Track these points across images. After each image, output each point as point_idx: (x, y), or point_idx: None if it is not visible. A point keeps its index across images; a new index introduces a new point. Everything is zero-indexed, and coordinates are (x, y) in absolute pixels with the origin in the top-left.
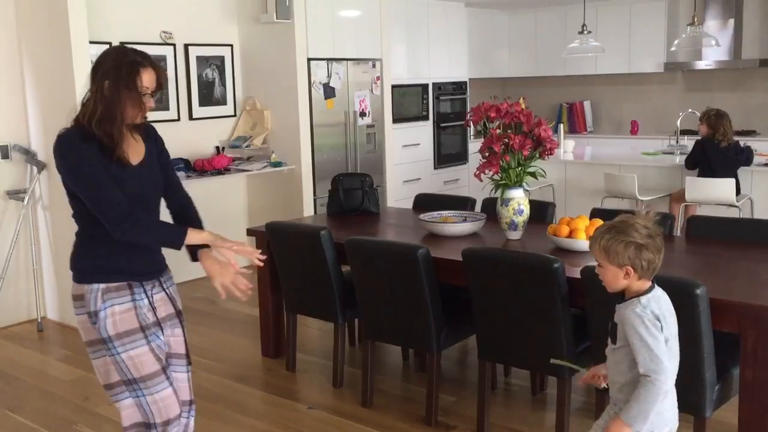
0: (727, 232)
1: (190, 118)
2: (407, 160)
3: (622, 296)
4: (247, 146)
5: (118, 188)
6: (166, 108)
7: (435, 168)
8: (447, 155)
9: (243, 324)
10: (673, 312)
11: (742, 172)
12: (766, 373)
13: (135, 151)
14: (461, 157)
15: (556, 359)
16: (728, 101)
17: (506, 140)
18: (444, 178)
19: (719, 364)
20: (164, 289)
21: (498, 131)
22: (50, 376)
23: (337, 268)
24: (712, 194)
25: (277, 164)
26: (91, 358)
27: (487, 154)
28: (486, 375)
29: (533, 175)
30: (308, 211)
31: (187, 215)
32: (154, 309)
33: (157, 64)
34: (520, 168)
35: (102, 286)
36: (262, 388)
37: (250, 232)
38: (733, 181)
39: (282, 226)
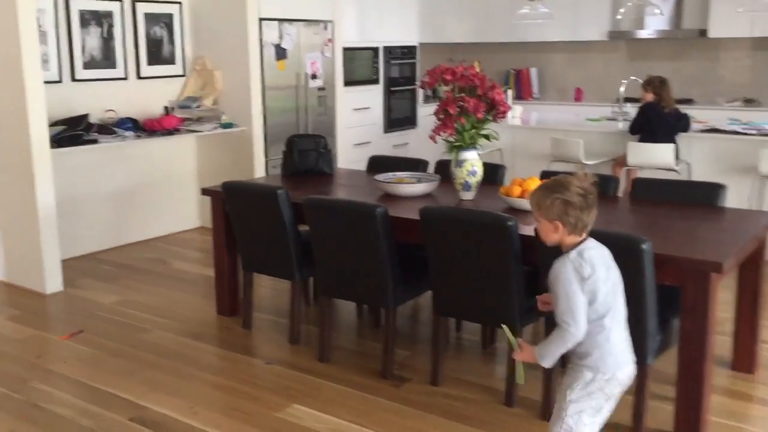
0: (668, 193)
1: (138, 76)
2: (358, 123)
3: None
4: (197, 107)
5: None
6: (113, 66)
7: (385, 132)
8: (397, 119)
9: (195, 284)
10: (610, 264)
11: (680, 137)
12: (703, 323)
13: None
14: (410, 122)
15: (507, 328)
16: (667, 70)
17: (461, 103)
18: (393, 142)
19: (660, 315)
20: None
21: (453, 94)
22: (1, 335)
23: (294, 227)
24: (653, 159)
25: (228, 125)
26: None
27: (441, 116)
28: (440, 329)
29: (487, 137)
30: (260, 172)
31: None
32: None
33: None
34: (474, 130)
35: None
36: (219, 345)
37: (205, 191)
38: (672, 146)
39: (239, 186)
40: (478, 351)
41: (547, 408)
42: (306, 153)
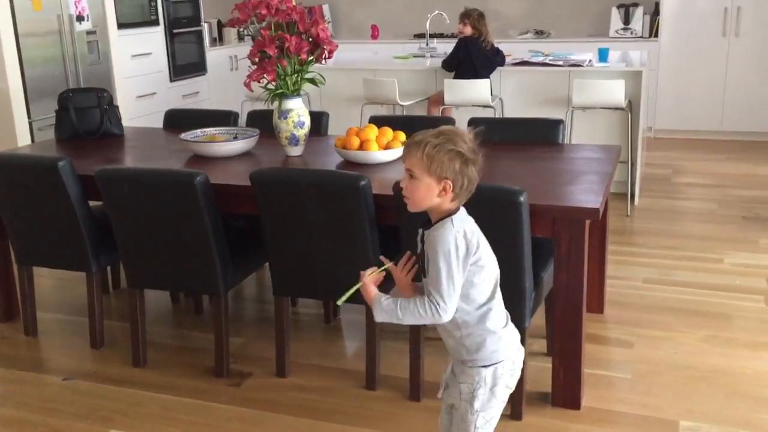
0: (506, 132)
1: None
2: (139, 72)
3: (428, 222)
4: None
5: None
6: None
7: (171, 80)
8: (183, 66)
9: None
10: (481, 233)
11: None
12: (579, 274)
13: None
14: (199, 68)
15: (341, 299)
16: (460, 5)
17: (278, 42)
18: (183, 92)
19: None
20: None
21: (269, 33)
22: None
23: (84, 207)
24: (471, 96)
25: None
26: None
27: (257, 59)
28: (284, 312)
29: (313, 81)
30: (23, 138)
31: None
32: None
33: None
34: (297, 75)
35: None
36: None
37: None
38: (488, 81)
39: (2, 159)
40: (322, 326)
41: (415, 387)
42: (86, 111)
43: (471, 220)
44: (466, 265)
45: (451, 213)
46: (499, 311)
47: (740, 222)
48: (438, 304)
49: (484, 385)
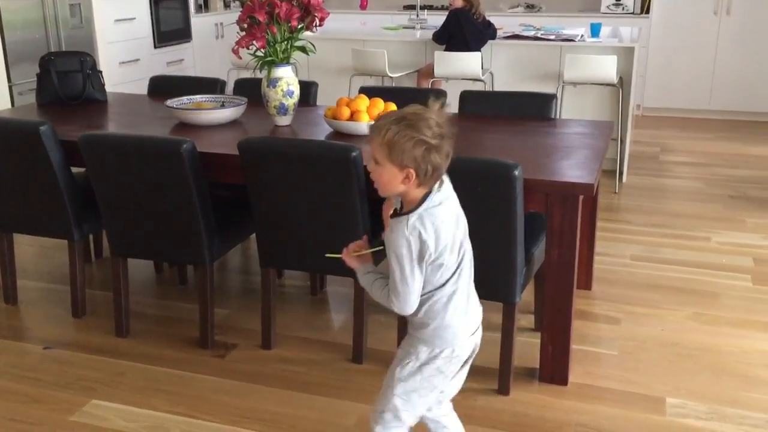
0: (498, 107)
1: None
2: (122, 37)
3: (400, 208)
4: None
5: None
6: None
7: (155, 47)
8: (168, 32)
9: None
10: (459, 215)
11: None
12: (571, 250)
13: None
14: (184, 34)
15: (331, 254)
16: None
17: (268, 8)
18: (167, 59)
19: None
20: None
21: None
22: None
23: (66, 174)
24: (462, 69)
25: None
26: None
27: (246, 25)
28: (270, 284)
29: (303, 50)
30: (3, 102)
31: None
32: None
33: None
34: (286, 42)
35: None
36: None
37: None
38: (479, 55)
39: None
40: (308, 299)
41: None
42: (69, 75)
43: (435, 214)
44: (422, 265)
45: (416, 202)
46: (448, 300)
47: (727, 201)
48: (392, 301)
49: (415, 359)
